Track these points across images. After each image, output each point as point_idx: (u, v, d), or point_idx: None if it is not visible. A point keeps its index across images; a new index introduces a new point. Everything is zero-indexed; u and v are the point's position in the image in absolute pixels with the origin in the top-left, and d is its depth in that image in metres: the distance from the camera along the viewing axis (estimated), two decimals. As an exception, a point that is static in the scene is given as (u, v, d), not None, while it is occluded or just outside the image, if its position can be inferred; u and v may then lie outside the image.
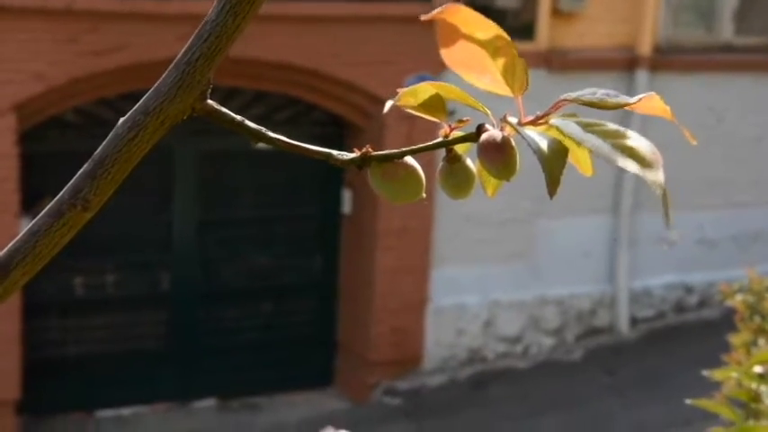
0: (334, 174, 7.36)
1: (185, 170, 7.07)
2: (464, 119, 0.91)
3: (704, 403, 2.55)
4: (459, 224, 7.44)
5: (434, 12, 0.85)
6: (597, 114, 0.87)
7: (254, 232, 7.41)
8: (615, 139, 0.83)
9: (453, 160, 0.92)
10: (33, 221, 0.86)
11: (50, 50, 6.18)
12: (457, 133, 0.91)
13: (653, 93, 0.86)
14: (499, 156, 0.86)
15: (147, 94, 0.84)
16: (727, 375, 2.64)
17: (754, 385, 2.57)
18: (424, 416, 7.16)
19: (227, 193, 7.38)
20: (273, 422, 7.20)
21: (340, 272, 7.64)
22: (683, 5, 8.12)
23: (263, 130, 0.89)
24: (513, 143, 0.87)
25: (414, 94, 0.90)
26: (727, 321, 3.55)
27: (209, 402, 7.39)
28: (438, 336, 7.60)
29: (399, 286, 7.32)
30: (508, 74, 0.87)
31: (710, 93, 8.08)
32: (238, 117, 0.88)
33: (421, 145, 0.92)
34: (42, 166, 6.53)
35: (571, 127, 0.84)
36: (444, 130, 0.91)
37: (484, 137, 0.87)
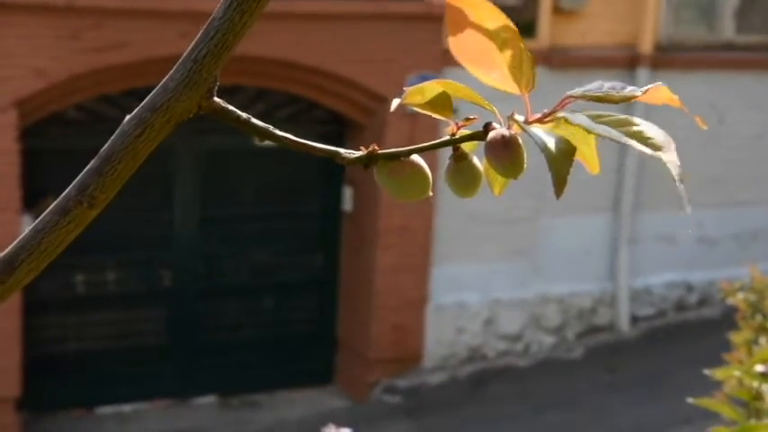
0: (334, 171, 7.36)
1: (186, 167, 7.07)
2: (471, 117, 0.90)
3: (705, 402, 2.54)
4: (460, 222, 7.43)
5: None
6: (602, 110, 0.87)
7: (255, 229, 7.40)
8: (625, 127, 0.83)
9: (460, 158, 0.92)
10: (39, 219, 0.85)
11: (52, 47, 6.18)
12: (464, 131, 0.91)
13: (659, 83, 0.86)
14: (507, 154, 0.86)
15: (153, 91, 0.84)
16: (729, 374, 2.64)
17: (755, 384, 2.56)
18: (425, 414, 7.16)
19: (227, 191, 7.37)
20: (273, 419, 7.20)
21: (340, 269, 7.64)
22: (685, 3, 8.11)
23: (270, 127, 0.89)
24: (521, 141, 0.87)
25: (421, 93, 0.90)
26: (728, 320, 3.55)
27: (209, 399, 7.40)
28: (438, 334, 7.59)
29: (400, 284, 7.32)
30: (516, 69, 0.87)
31: (711, 91, 8.07)
32: (244, 115, 0.88)
33: (428, 143, 0.91)
34: (43, 162, 6.53)
35: (580, 118, 0.83)
36: (451, 128, 0.91)
37: (492, 135, 0.87)
